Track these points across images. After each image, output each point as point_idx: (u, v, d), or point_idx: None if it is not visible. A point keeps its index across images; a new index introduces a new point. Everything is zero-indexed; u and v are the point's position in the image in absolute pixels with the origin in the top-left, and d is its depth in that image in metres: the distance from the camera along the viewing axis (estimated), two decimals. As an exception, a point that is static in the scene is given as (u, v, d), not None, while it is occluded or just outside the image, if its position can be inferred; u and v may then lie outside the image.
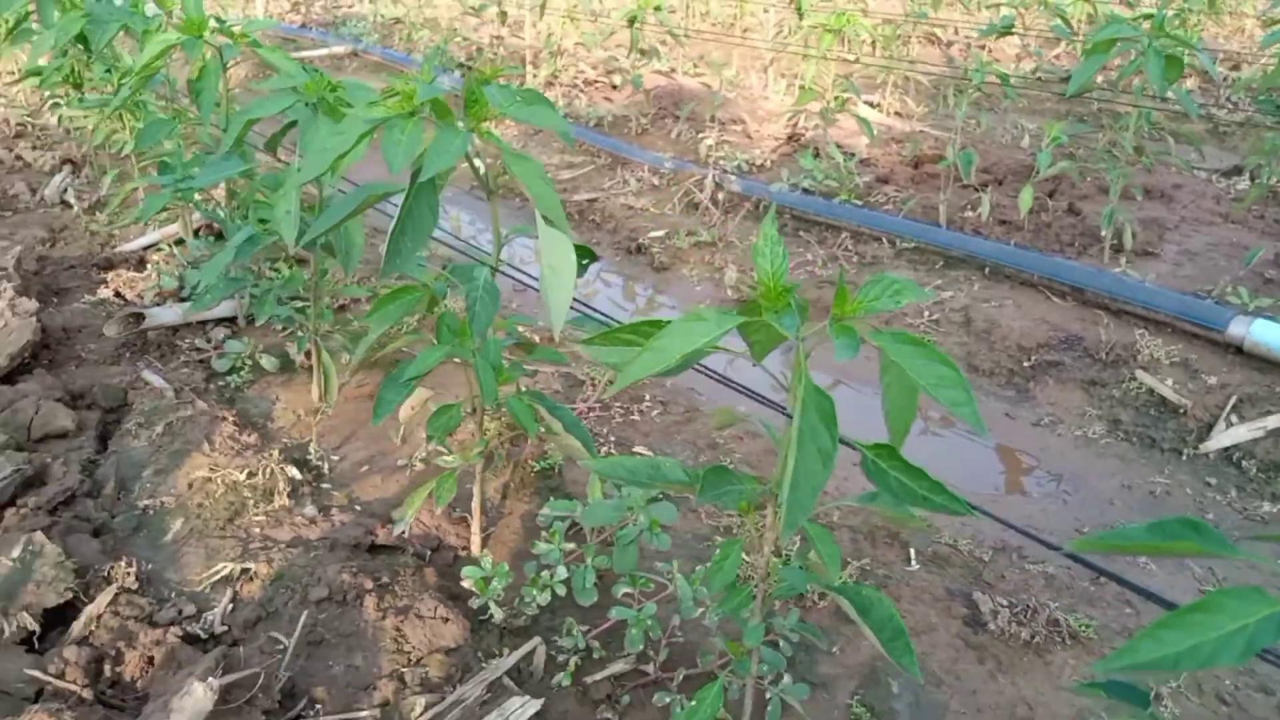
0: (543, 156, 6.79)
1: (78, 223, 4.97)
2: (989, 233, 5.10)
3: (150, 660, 2.05)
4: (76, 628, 2.14)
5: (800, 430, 1.46)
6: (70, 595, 2.20)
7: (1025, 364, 3.91)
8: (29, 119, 6.96)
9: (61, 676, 1.97)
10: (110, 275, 4.22)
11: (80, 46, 5.05)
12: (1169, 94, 4.23)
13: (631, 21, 7.20)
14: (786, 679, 2.09)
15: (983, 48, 10.69)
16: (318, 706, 1.98)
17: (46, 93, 5.88)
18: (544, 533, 2.43)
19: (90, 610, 2.17)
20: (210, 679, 1.78)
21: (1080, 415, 3.58)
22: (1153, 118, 4.95)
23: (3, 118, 6.91)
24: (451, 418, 2.35)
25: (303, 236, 2.53)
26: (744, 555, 1.91)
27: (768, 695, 2.00)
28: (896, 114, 7.71)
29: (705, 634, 2.25)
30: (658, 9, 7.08)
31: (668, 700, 2.06)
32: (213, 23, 3.32)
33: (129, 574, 2.29)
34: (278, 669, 2.00)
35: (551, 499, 2.68)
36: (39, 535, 2.25)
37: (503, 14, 8.57)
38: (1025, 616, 2.38)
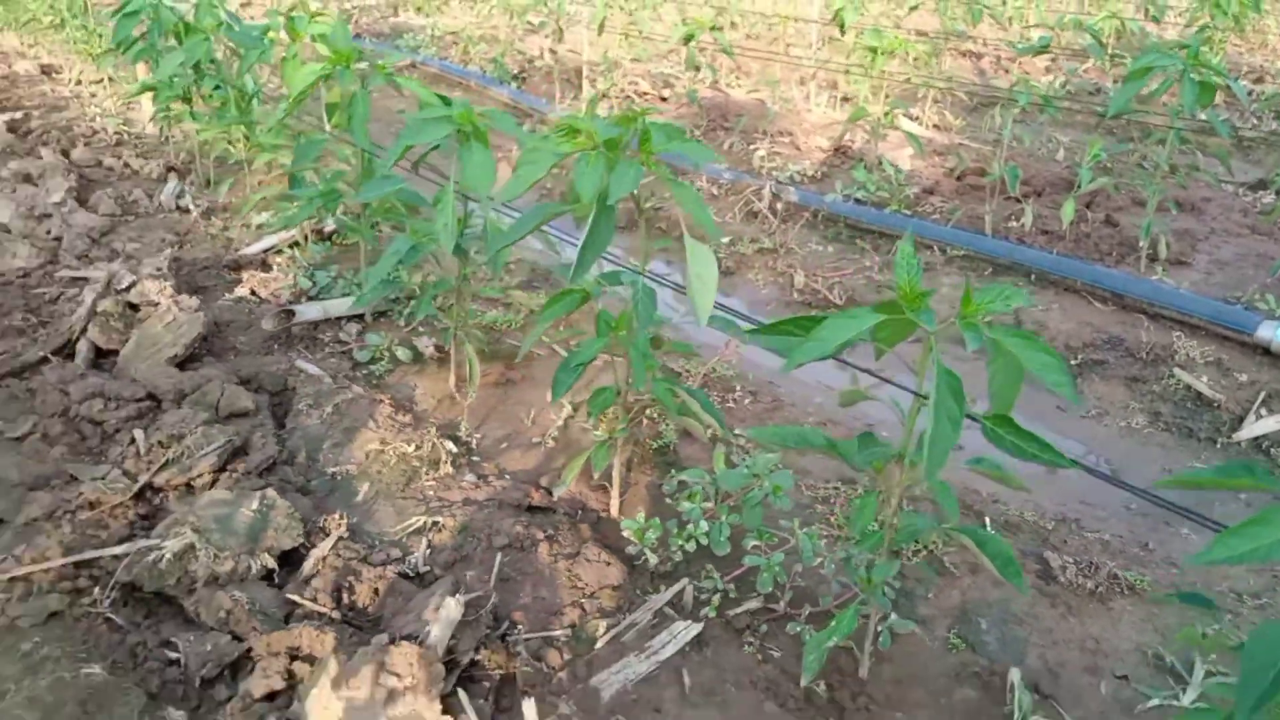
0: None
1: (198, 227, 5.45)
2: (1032, 241, 5.53)
3: (376, 591, 2.51)
4: (307, 566, 2.61)
5: (936, 402, 1.90)
6: (300, 540, 2.66)
7: (1073, 362, 4.33)
8: (124, 128, 7.46)
9: (314, 600, 2.43)
10: (244, 275, 4.69)
11: (193, 68, 5.54)
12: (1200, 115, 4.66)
13: (688, 39, 7.66)
14: (894, 616, 2.53)
15: (1013, 61, 11.11)
16: (519, 627, 2.43)
17: (140, 104, 6.34)
18: (678, 496, 2.88)
19: (317, 553, 2.64)
20: (456, 595, 2.24)
21: (1124, 408, 4.00)
22: (1182, 133, 5.36)
23: (101, 127, 7.41)
24: (607, 398, 2.81)
25: (458, 244, 2.99)
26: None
27: (879, 628, 2.44)
28: (935, 127, 8.13)
29: (822, 580, 2.69)
30: (713, 28, 7.53)
31: (798, 630, 2.50)
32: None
33: (341, 525, 2.76)
34: (488, 597, 2.46)
35: (672, 471, 3.14)
36: (271, 492, 2.72)
37: (559, 30, 9.05)
38: (1089, 571, 2.81)
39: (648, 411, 3.45)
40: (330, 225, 5.28)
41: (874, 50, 6.69)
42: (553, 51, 9.53)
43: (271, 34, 4.98)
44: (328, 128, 4.36)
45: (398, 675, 2.00)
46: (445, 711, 2.04)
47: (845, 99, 8.82)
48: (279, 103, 5.63)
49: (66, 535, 2.64)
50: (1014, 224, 5.74)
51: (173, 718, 2.12)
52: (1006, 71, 10.92)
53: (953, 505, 2.11)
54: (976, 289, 2.01)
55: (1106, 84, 9.92)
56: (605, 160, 2.44)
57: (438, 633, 2.16)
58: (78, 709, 2.10)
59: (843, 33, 8.35)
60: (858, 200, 6.07)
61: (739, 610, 2.59)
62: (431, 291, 3.50)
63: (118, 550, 2.58)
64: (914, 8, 9.11)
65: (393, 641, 2.07)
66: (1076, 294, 4.92)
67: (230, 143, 5.81)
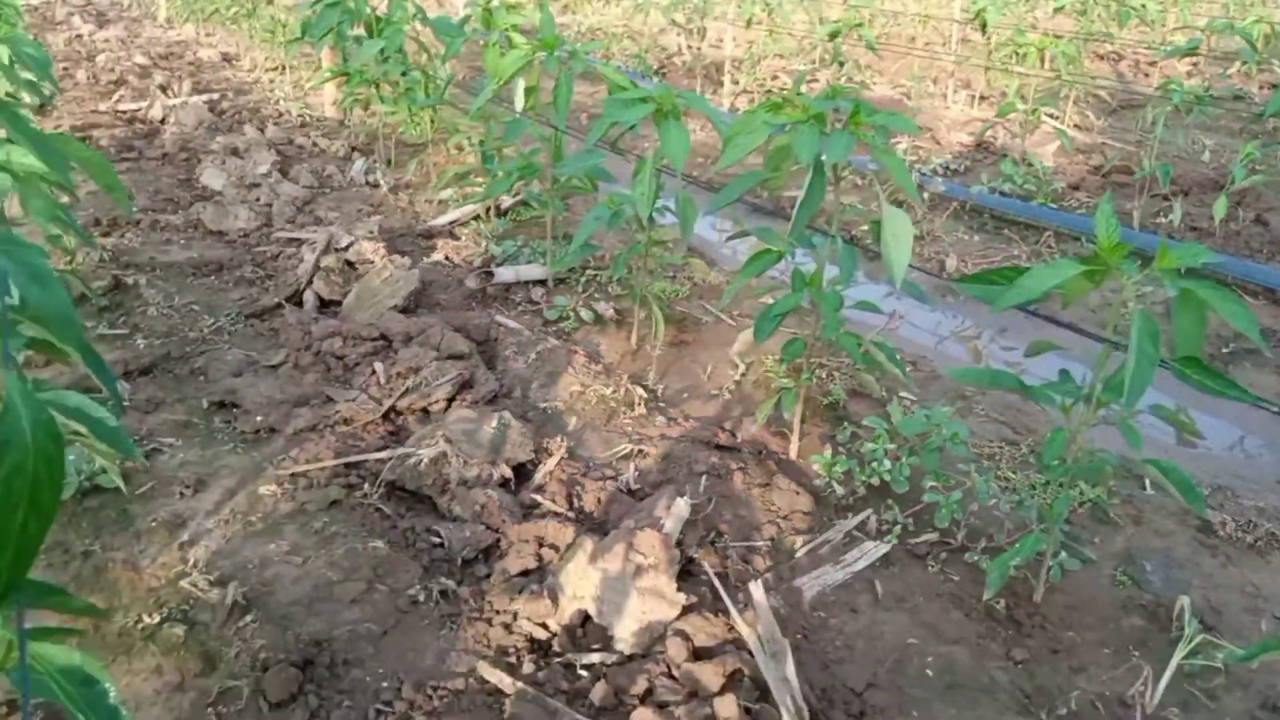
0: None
1: (388, 200, 5.99)
2: (1181, 238, 5.61)
3: (599, 499, 2.89)
4: (538, 476, 3.00)
5: (1136, 344, 2.16)
6: (531, 456, 3.07)
7: (1224, 350, 4.45)
8: (306, 111, 8.12)
9: (552, 502, 2.82)
10: (437, 243, 5.18)
11: (382, 55, 6.07)
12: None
13: (833, 35, 7.92)
14: (1064, 554, 2.77)
15: (1152, 64, 10.98)
16: (725, 536, 2.77)
17: (323, 90, 6.92)
18: (851, 445, 3.18)
19: (544, 467, 3.03)
20: (683, 497, 2.60)
21: (1275, 393, 4.11)
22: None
23: (285, 110, 8.10)
24: (798, 347, 3.13)
25: (652, 208, 3.34)
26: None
27: (1051, 562, 2.69)
28: (1076, 127, 8.18)
29: (994, 521, 2.95)
30: (859, 26, 7.77)
31: (975, 559, 2.77)
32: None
33: (562, 446, 3.15)
34: (703, 506, 2.81)
35: (845, 423, 3.44)
36: (506, 414, 3.13)
37: (702, 29, 9.42)
38: (1247, 528, 3.00)
39: (818, 372, 3.75)
40: (507, 202, 5.74)
41: (1029, 47, 6.84)
42: (694, 47, 9.89)
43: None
44: (518, 109, 4.79)
45: (643, 554, 2.36)
46: (678, 591, 2.39)
47: (983, 98, 8.93)
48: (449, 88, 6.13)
49: (331, 443, 3.10)
50: (1161, 220, 5.82)
51: (445, 585, 2.53)
52: (1146, 75, 10.81)
53: (1137, 439, 2.36)
54: (1170, 244, 2.26)
55: (1251, 89, 9.75)
56: (816, 130, 2.77)
57: (670, 525, 2.52)
58: (370, 572, 2.53)
59: (984, 32, 8.48)
60: (1003, 193, 6.24)
61: (918, 540, 2.87)
62: (626, 255, 3.87)
63: (380, 455, 3.03)
64: (1059, 9, 9.14)
65: (638, 528, 2.43)
66: (1227, 288, 5.00)
67: (415, 125, 6.35)
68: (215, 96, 8.24)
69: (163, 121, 7.48)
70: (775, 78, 9.24)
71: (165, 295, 4.32)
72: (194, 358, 3.73)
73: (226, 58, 10.50)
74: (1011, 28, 8.90)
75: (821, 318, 3.07)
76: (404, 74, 6.23)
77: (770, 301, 3.08)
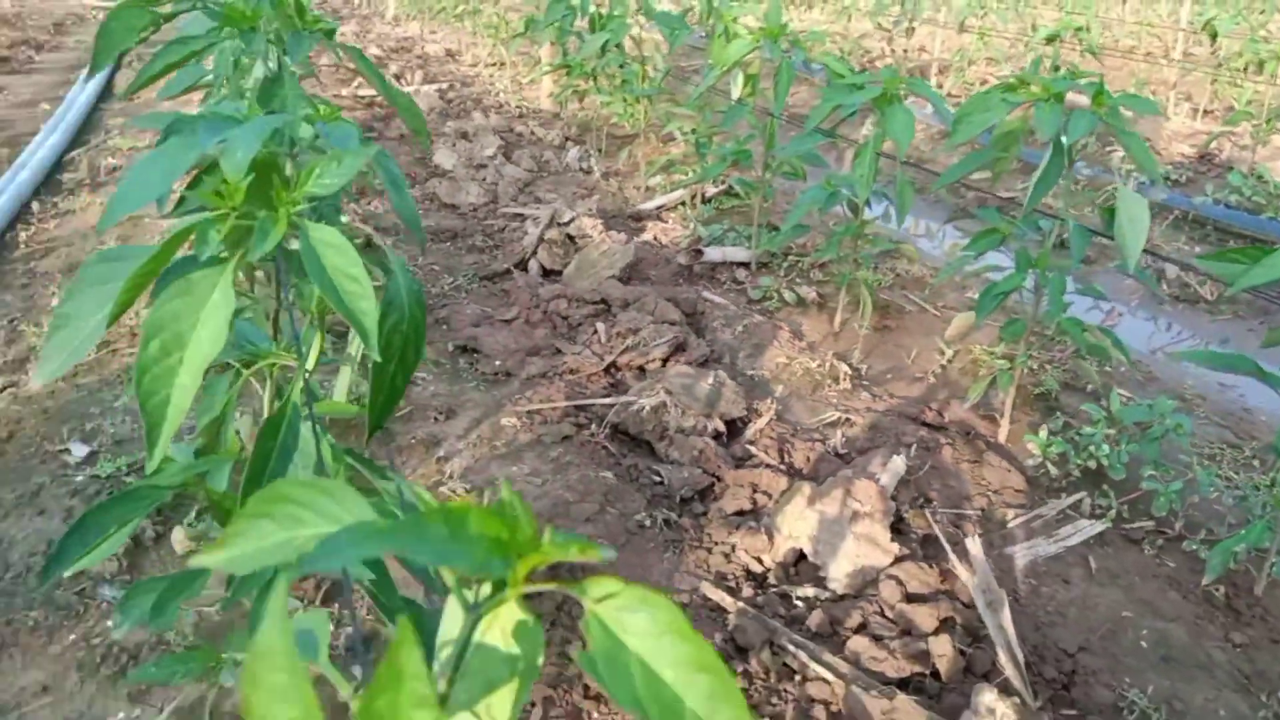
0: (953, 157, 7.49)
1: (600, 185, 6.32)
2: None
3: (808, 457, 3.02)
4: (749, 433, 3.17)
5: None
6: (743, 413, 3.24)
7: None
8: (523, 102, 8.63)
9: (765, 454, 2.99)
10: (646, 225, 5.45)
11: (601, 48, 6.39)
12: None
13: (1050, 39, 7.72)
14: (1290, 552, 2.69)
15: None
16: (933, 503, 2.85)
17: (540, 83, 7.35)
18: (1062, 433, 3.17)
19: (755, 425, 3.20)
20: (898, 456, 2.71)
21: None
22: None
23: (505, 100, 8.63)
24: (1019, 327, 3.17)
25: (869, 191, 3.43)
26: None
27: (1273, 561, 2.62)
28: (1316, 142, 7.63)
29: (1215, 515, 2.89)
30: (1078, 30, 7.55)
31: (1193, 548, 2.73)
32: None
33: (771, 408, 3.31)
34: (914, 470, 2.90)
35: (1056, 413, 3.43)
36: (722, 372, 3.32)
37: (910, 30, 9.36)
38: None
39: (1029, 363, 3.74)
40: (712, 190, 5.96)
41: (1256, 60, 6.47)
42: (900, 50, 9.84)
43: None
44: (734, 97, 4.99)
45: (859, 502, 2.49)
46: (891, 541, 2.50)
47: (1206, 111, 8.46)
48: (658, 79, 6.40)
49: (560, 388, 3.37)
50: None
51: (667, 515, 2.73)
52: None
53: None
54: None
55: None
56: (1058, 109, 2.81)
57: (886, 480, 2.63)
58: (601, 497, 2.77)
59: (1214, 41, 8.04)
60: (1228, 205, 5.93)
61: (1133, 525, 2.86)
62: (839, 236, 3.99)
63: (605, 401, 3.28)
64: (1303, 16, 8.53)
65: (855, 478, 2.56)
66: None
67: (629, 115, 6.67)
68: (444, 86, 8.89)
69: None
70: (984, 82, 9.06)
71: (410, 256, 4.77)
72: (438, 309, 4.13)
73: (450, 53, 11.27)
74: (1243, 39, 8.39)
75: (1047, 300, 3.09)
76: (621, 66, 6.56)
77: (992, 280, 3.13)
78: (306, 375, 1.39)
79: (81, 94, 8.42)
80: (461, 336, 3.82)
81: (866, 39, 11.20)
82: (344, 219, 1.87)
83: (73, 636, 2.25)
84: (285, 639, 0.51)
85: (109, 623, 2.29)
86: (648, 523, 2.68)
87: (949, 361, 3.93)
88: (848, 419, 3.31)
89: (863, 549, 2.43)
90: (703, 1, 5.37)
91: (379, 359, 1.36)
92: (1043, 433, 3.10)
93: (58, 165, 6.58)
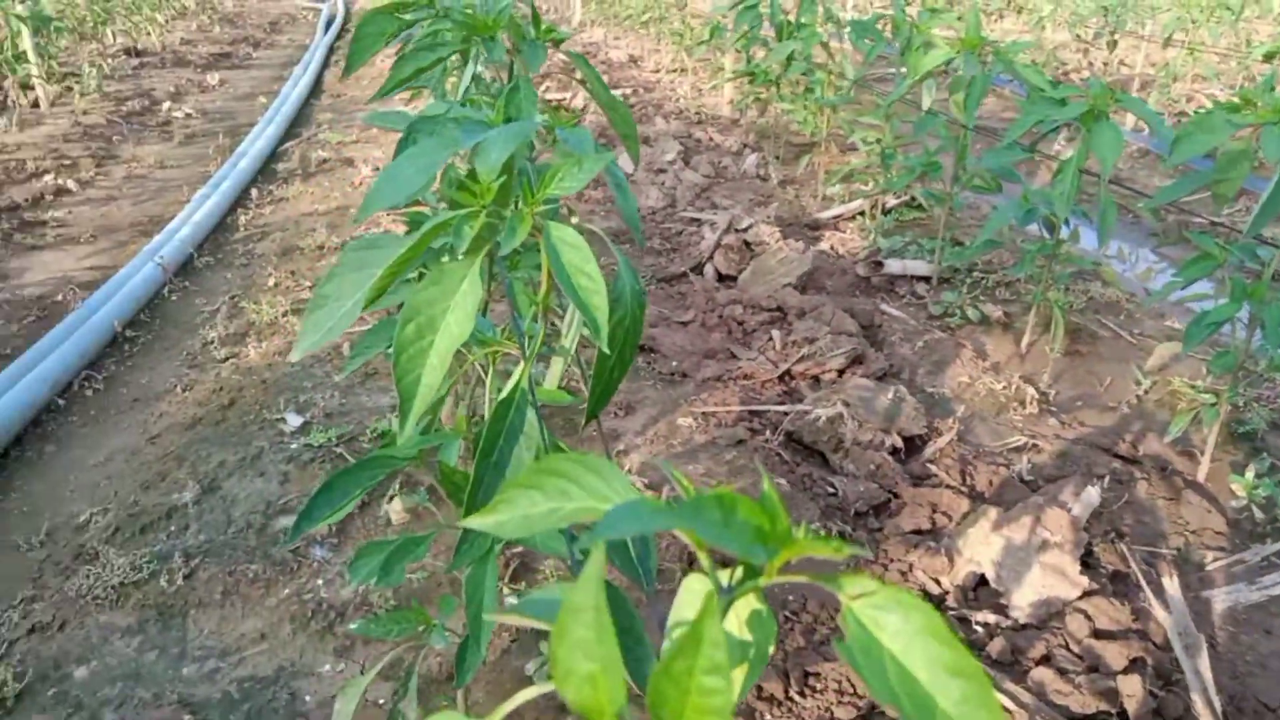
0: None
1: (776, 192, 6.32)
2: None
3: (991, 481, 2.94)
4: (928, 451, 3.11)
5: None
6: (923, 430, 3.18)
7: None
8: (702, 109, 8.72)
9: (946, 474, 2.93)
10: (823, 234, 5.42)
11: (787, 57, 6.37)
12: None
13: (1269, 57, 7.15)
14: None
15: None
16: (1126, 538, 2.72)
17: (721, 90, 7.41)
18: (1269, 477, 2.96)
19: (935, 444, 3.14)
20: (1092, 487, 2.60)
21: None
22: None
23: (685, 107, 8.74)
24: (1229, 360, 2.97)
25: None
26: None
27: None
28: None
29: None
30: (1308, 43, 6.96)
31: None
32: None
33: (953, 428, 3.23)
34: (1106, 505, 2.78)
35: (1262, 455, 3.20)
36: (902, 388, 3.27)
37: (1112, 42, 8.88)
38: None
39: (1234, 400, 3.50)
40: (892, 201, 5.85)
41: None
42: (1100, 64, 9.35)
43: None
44: (924, 107, 4.88)
45: (1049, 531, 2.40)
46: (1080, 573, 2.40)
47: None
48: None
49: (735, 392, 3.41)
50: None
51: (841, 527, 2.72)
52: None
53: None
54: None
55: None
56: (1291, 131, 2.62)
57: (1078, 510, 2.53)
58: (774, 504, 2.78)
59: None
60: None
61: (1353, 582, 2.63)
62: (1033, 254, 3.85)
63: (780, 408, 3.29)
64: None
65: (1045, 505, 2.48)
66: None
67: (810, 124, 6.63)
68: (626, 92, 9.10)
69: (583, 110, 8.40)
70: (1190, 99, 8.50)
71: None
72: (617, 307, 4.24)
73: (633, 59, 11.51)
74: None
75: (1261, 333, 2.89)
76: (805, 73, 6.54)
77: (1202, 310, 2.95)
78: (529, 364, 1.48)
79: (294, 90, 9.10)
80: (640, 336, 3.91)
81: (1062, 50, 10.68)
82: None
83: (287, 591, 2.46)
84: (598, 598, 0.57)
85: (319, 580, 2.49)
86: (823, 534, 2.68)
87: (1145, 392, 3.72)
88: (1034, 445, 3.20)
89: (1049, 579, 2.35)
90: (896, 11, 5.28)
91: (606, 351, 1.43)
92: (1249, 473, 2.90)
93: (273, 155, 7.14)
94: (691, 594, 0.91)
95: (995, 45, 4.46)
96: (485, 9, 2.32)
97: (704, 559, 0.79)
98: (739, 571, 0.76)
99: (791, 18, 6.72)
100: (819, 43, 6.31)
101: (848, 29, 5.64)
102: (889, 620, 0.69)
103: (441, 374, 1.26)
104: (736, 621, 0.89)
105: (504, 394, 1.45)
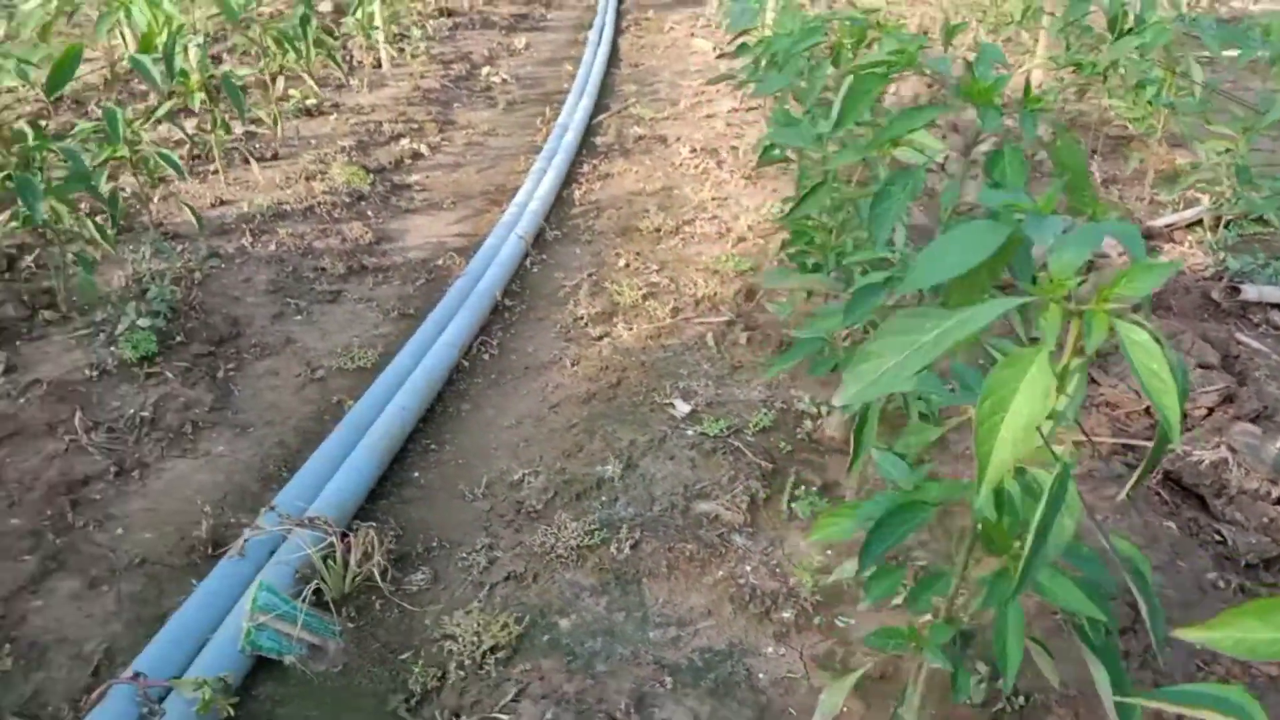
0: None
1: (1100, 192, 6.14)
2: None
3: None
4: (1320, 509, 3.08)
5: None
6: (1315, 486, 3.15)
7: None
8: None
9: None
10: (1158, 244, 5.25)
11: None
12: None
13: None
14: None
15: None
16: None
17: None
18: None
19: (1328, 501, 3.10)
20: None
21: None
22: None
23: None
24: None
25: None
26: None
27: None
28: None
29: None
30: None
31: None
32: None
33: None
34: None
35: None
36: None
37: None
38: None
39: None
40: (1228, 215, 5.56)
41: None
42: None
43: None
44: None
45: None
46: None
47: None
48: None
49: (1101, 421, 3.47)
50: None
51: (1240, 580, 2.78)
52: None
53: None
54: None
55: None
56: None
57: None
58: (1169, 547, 2.88)
59: None
60: None
61: None
62: None
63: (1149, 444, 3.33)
64: None
65: None
66: None
67: (1141, 121, 6.36)
68: (920, 70, 8.97)
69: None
70: None
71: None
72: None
73: (923, 31, 11.26)
74: None
75: None
76: (1143, 71, 6.25)
77: None
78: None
79: (594, 58, 9.59)
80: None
81: None
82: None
83: (720, 573, 2.82)
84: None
85: (746, 566, 2.83)
86: (1220, 584, 2.76)
87: None
88: None
89: None
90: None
91: (1174, 447, 1.60)
92: None
93: (588, 129, 7.62)
94: None
95: None
96: (939, 68, 2.51)
97: None
98: None
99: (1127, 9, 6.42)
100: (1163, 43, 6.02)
101: (1210, 30, 5.36)
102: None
103: (1011, 448, 1.44)
104: None
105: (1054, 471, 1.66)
